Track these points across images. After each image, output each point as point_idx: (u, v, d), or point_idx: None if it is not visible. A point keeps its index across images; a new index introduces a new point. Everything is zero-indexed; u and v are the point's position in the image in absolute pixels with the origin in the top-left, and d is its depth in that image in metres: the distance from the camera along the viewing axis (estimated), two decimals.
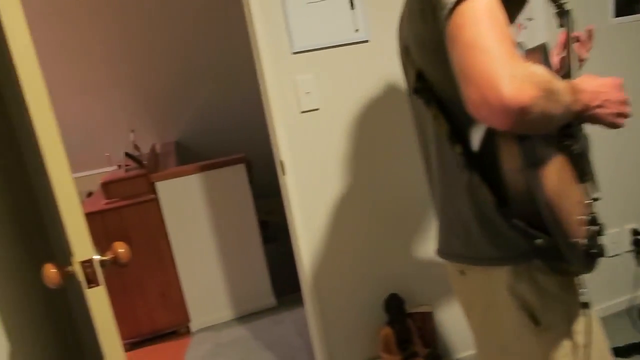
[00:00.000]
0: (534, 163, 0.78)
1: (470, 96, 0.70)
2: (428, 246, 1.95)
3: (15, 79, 0.90)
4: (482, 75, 0.68)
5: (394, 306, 1.90)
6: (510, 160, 0.79)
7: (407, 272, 1.95)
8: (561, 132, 0.84)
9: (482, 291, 0.95)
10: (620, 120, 0.88)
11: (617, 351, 1.98)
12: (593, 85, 0.84)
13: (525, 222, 0.80)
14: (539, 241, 0.80)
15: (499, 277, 0.90)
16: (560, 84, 0.76)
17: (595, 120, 0.85)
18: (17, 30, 0.85)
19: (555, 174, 0.81)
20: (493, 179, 0.83)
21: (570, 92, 0.78)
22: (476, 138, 0.87)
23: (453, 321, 2.03)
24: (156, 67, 3.87)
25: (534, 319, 0.89)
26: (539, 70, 0.72)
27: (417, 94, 0.95)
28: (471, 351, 2.05)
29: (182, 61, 3.91)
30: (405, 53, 0.99)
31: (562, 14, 1.08)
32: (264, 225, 3.02)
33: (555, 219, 0.78)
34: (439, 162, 0.96)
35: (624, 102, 0.87)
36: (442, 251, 1.05)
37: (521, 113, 0.67)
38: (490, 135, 0.83)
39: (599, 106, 0.84)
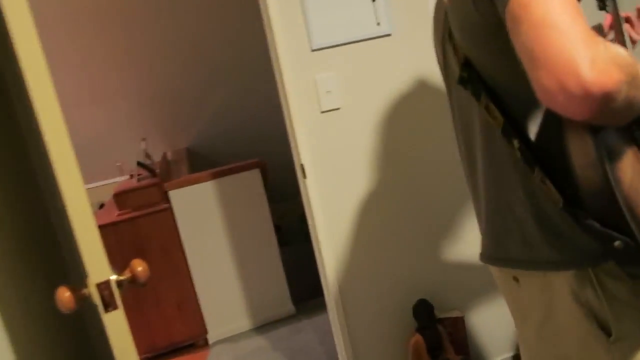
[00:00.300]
0: (610, 157, 0.69)
1: (543, 82, 0.60)
2: (457, 249, 1.86)
3: (25, 91, 0.83)
4: (558, 58, 0.59)
5: (424, 312, 1.82)
6: (582, 155, 0.70)
7: (436, 277, 1.86)
8: (632, 121, 0.75)
9: (541, 299, 0.86)
10: None
11: None
12: None
13: (598, 223, 0.71)
14: (618, 243, 0.70)
15: (561, 283, 0.81)
16: None
17: None
18: (27, 41, 0.78)
19: (630, 167, 0.71)
20: (557, 175, 0.75)
21: None
22: (533, 131, 0.78)
23: (485, 326, 1.94)
24: (165, 72, 3.81)
25: (605, 329, 0.80)
26: (621, 52, 0.63)
27: (463, 85, 0.85)
28: (505, 355, 1.95)
29: (193, 65, 3.83)
30: (446, 42, 0.90)
31: None
32: (277, 229, 2.95)
33: (636, 217, 0.69)
34: (489, 159, 0.86)
35: None
36: (491, 256, 0.95)
37: (604, 100, 0.58)
38: (554, 128, 0.73)
39: None
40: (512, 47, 0.67)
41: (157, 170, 2.89)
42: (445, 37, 0.91)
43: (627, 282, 0.79)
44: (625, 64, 0.61)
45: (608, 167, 0.69)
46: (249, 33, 3.75)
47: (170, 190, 2.67)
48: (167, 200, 2.66)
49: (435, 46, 1.02)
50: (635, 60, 0.64)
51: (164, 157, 3.60)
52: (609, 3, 1.00)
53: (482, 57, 0.81)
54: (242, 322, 2.86)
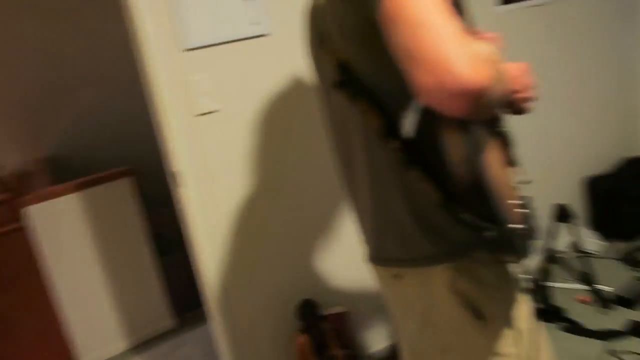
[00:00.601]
0: (479, 151, 0.75)
1: (422, 80, 0.62)
2: (337, 247, 1.91)
3: None
4: (435, 57, 0.61)
5: (308, 312, 1.84)
6: (456, 151, 0.75)
7: (319, 276, 1.89)
8: (493, 117, 0.82)
9: (421, 293, 0.90)
10: (528, 106, 0.88)
11: None
12: (512, 69, 0.82)
13: (472, 215, 0.76)
14: (489, 233, 0.76)
15: (439, 276, 0.86)
16: (504, 66, 0.73)
17: (511, 105, 0.85)
18: None
19: (495, 160, 0.78)
20: (435, 173, 0.78)
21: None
22: (411, 131, 0.81)
23: (368, 319, 2.02)
24: (18, 73, 3.39)
25: (478, 314, 0.86)
26: (490, 49, 0.68)
27: (339, 88, 0.85)
28: (384, 344, 2.05)
29: (52, 63, 3.46)
30: (320, 44, 0.91)
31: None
32: (157, 238, 2.78)
33: (500, 206, 0.76)
34: (368, 161, 0.87)
35: (532, 88, 0.87)
36: (374, 257, 0.97)
37: (479, 96, 0.61)
38: (430, 127, 0.77)
39: (516, 91, 0.83)
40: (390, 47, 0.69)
41: (10, 184, 2.57)
42: (318, 40, 0.91)
43: (495, 267, 0.87)
44: (494, 61, 0.66)
45: (478, 162, 0.74)
46: (115, 31, 3.49)
47: (28, 206, 2.38)
48: (19, 218, 2.36)
49: (308, 49, 1.02)
50: (499, 59, 0.71)
51: (20, 168, 3.22)
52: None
53: (363, 59, 0.81)
54: (117, 343, 2.65)
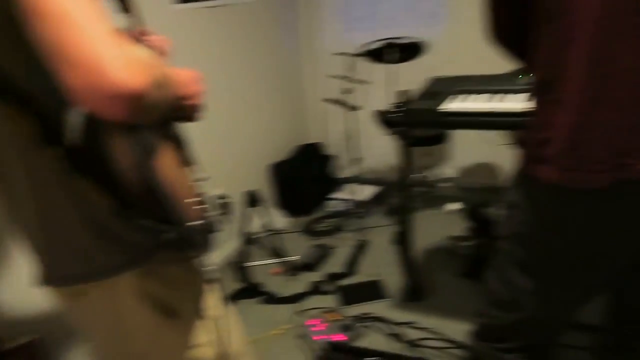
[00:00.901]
0: (148, 155, 0.74)
1: (73, 82, 0.57)
2: (8, 273, 1.65)
3: None
4: (86, 58, 0.57)
5: None
6: (124, 157, 0.72)
7: None
8: (165, 120, 0.83)
9: (108, 306, 0.84)
10: (198, 115, 0.90)
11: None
12: (181, 75, 0.83)
13: (150, 220, 0.76)
14: (168, 235, 0.77)
15: (126, 285, 0.82)
16: (169, 71, 0.73)
17: (179, 111, 0.85)
18: None
19: (165, 163, 0.79)
20: (105, 180, 0.74)
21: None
22: (72, 138, 0.73)
23: (64, 343, 1.82)
24: None
25: (170, 312, 0.87)
26: (145, 54, 0.67)
27: None
28: None
29: None
30: None
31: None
32: None
33: (176, 207, 0.78)
34: (27, 173, 0.76)
35: (201, 95, 0.89)
36: (50, 277, 0.85)
37: (135, 100, 0.59)
38: (95, 132, 0.72)
39: (184, 97, 0.84)
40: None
41: None
42: None
43: (181, 264, 0.89)
44: (152, 66, 0.65)
45: (148, 166, 0.74)
46: None
47: None
48: None
49: None
50: (160, 63, 0.71)
51: None
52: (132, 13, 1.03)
53: (6, 56, 0.68)
54: None
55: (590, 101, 0.83)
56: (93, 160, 0.73)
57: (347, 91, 2.85)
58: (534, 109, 0.96)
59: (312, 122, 3.56)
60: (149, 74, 0.62)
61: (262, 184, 3.02)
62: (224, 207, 1.06)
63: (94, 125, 0.70)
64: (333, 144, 3.46)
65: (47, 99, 0.69)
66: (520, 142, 0.99)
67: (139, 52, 0.66)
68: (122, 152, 0.72)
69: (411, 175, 2.37)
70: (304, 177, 3.14)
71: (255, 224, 2.69)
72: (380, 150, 3.23)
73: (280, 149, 3.22)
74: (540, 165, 0.91)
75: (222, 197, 1.05)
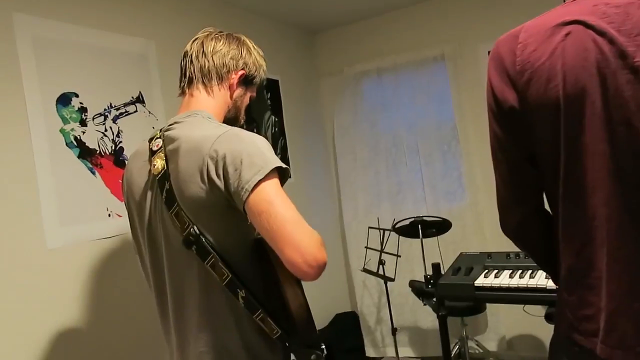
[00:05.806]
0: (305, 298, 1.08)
1: (292, 258, 0.96)
2: None
3: None
4: (301, 243, 0.96)
5: None
6: (295, 300, 1.04)
7: None
8: None
9: None
10: None
11: None
12: None
13: (300, 343, 1.07)
14: (314, 356, 1.06)
15: None
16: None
17: None
18: None
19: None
20: (274, 315, 1.07)
21: None
22: (253, 284, 1.09)
23: None
24: None
25: None
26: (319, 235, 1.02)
27: (188, 247, 1.05)
28: None
29: None
30: (164, 207, 1.09)
31: None
32: None
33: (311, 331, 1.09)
34: (205, 308, 1.09)
35: None
36: None
37: (324, 267, 0.99)
38: (271, 283, 1.06)
39: None
40: (238, 224, 1.07)
41: None
42: (163, 203, 1.09)
43: None
44: (323, 242, 1.01)
45: (308, 308, 1.07)
46: None
47: None
48: None
49: (134, 204, 1.19)
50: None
51: None
52: None
53: (215, 226, 1.07)
54: None
55: (627, 291, 0.83)
56: (267, 300, 1.08)
57: (381, 262, 2.94)
58: (566, 289, 0.94)
59: (350, 291, 3.59)
60: (325, 250, 1.00)
61: None
62: None
63: (270, 278, 1.06)
64: (367, 312, 3.43)
65: (237, 259, 1.08)
66: (559, 315, 0.97)
67: (318, 234, 1.02)
68: (293, 297, 1.05)
69: (451, 348, 2.32)
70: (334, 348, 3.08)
71: None
72: (417, 321, 3.19)
73: (321, 317, 3.22)
74: (584, 337, 0.89)
75: None
